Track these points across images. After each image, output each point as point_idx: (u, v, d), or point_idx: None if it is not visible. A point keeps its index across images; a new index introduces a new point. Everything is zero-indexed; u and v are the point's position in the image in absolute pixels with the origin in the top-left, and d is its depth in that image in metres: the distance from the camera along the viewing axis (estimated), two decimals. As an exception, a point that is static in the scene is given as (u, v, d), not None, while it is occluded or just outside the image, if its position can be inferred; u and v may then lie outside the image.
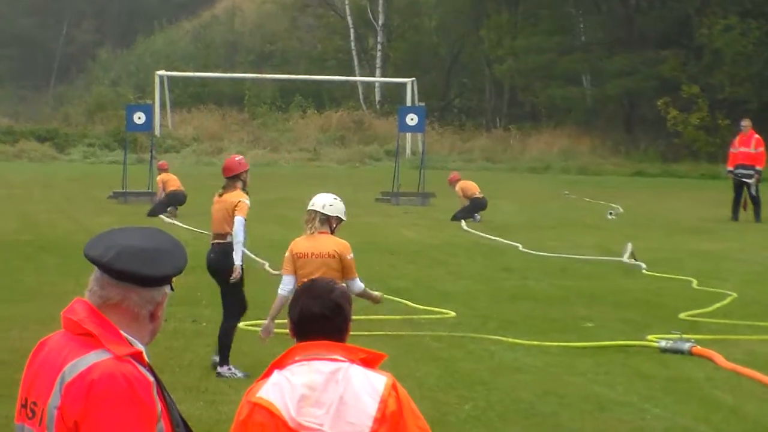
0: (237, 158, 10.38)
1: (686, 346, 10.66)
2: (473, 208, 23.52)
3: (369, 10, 54.47)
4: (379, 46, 54.01)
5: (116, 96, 48.78)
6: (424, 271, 16.24)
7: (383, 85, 51.90)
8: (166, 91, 44.84)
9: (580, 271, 16.37)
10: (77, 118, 47.98)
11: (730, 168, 24.18)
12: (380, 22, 54.01)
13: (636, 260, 16.59)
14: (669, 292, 14.47)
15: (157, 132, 38.90)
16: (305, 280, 8.21)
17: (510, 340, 11.28)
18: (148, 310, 3.03)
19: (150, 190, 26.39)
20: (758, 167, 23.73)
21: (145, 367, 2.98)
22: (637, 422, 8.46)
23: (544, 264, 17.06)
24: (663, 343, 10.80)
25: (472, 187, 23.83)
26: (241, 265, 9.87)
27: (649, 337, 11.26)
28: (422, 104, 33.57)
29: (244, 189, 10.02)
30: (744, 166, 23.77)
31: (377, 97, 52.21)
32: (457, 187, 23.95)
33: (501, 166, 41.82)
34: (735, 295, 13.96)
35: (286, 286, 8.32)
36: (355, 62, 54.65)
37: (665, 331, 11.46)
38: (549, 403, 8.91)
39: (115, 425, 2.86)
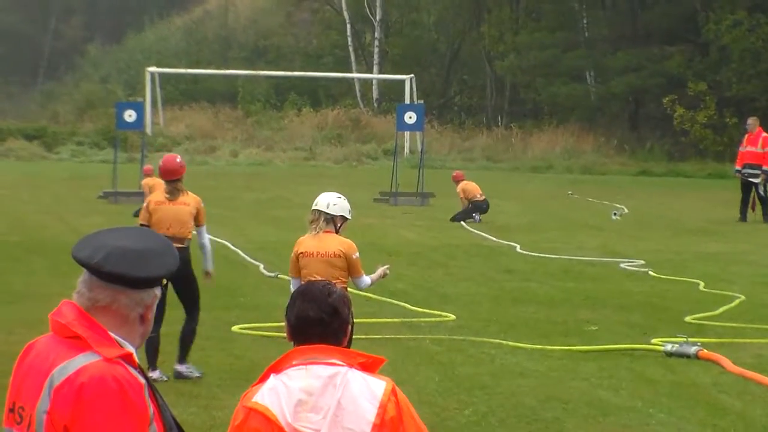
0: (178, 159, 10.04)
1: (692, 349, 10.49)
2: (473, 209, 23.34)
3: (366, 5, 54.27)
4: (376, 42, 53.82)
5: (106, 93, 48.65)
6: (423, 272, 16.08)
7: (381, 82, 51.72)
8: (158, 88, 44.63)
9: (584, 273, 16.23)
10: (66, 116, 47.81)
11: (738, 167, 23.99)
12: (378, 17, 53.84)
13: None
14: (674, 295, 14.34)
15: (148, 130, 38.72)
16: (309, 278, 8.16)
17: (511, 343, 11.12)
18: (138, 312, 3.01)
19: (141, 191, 26.21)
20: (765, 167, 23.50)
21: (135, 368, 2.95)
22: (642, 428, 8.35)
23: (546, 266, 16.92)
24: (668, 347, 10.64)
25: (473, 189, 23.66)
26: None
27: (654, 340, 11.08)
28: (421, 102, 33.35)
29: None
30: (751, 166, 23.57)
31: (375, 95, 52.02)
32: (459, 188, 23.78)
33: (502, 165, 41.66)
34: (743, 297, 13.76)
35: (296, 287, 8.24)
36: (352, 58, 54.45)
37: (670, 334, 11.32)
38: (551, 408, 8.80)
39: (106, 428, 2.83)
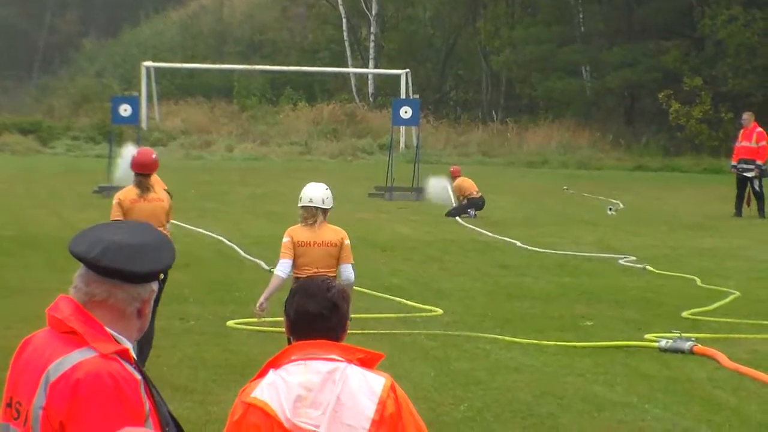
0: (153, 155, 9.92)
1: (687, 345, 10.47)
2: (468, 206, 23.32)
3: (362, 0, 54.18)
4: (372, 37, 53.72)
5: (101, 87, 48.48)
6: (418, 267, 16.06)
7: (376, 76, 51.63)
8: (153, 83, 44.52)
9: (579, 268, 16.21)
10: (61, 110, 47.64)
11: (734, 163, 23.99)
12: (373, 12, 53.73)
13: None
14: (670, 290, 14.31)
15: (143, 125, 38.62)
16: (305, 268, 8.16)
17: (507, 338, 11.09)
18: (134, 307, 3.00)
19: None
20: (759, 162, 23.50)
21: (131, 364, 2.95)
22: (638, 423, 8.34)
23: (542, 261, 16.91)
24: (663, 343, 10.62)
25: (470, 186, 23.63)
26: None
27: (647, 336, 11.07)
28: (417, 96, 33.28)
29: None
30: (746, 161, 23.57)
31: (370, 89, 51.93)
32: (455, 185, 23.77)
33: (498, 160, 41.61)
34: (738, 293, 13.74)
35: (285, 268, 8.35)
36: (348, 53, 54.34)
37: (666, 329, 11.32)
38: (547, 403, 8.80)
39: (102, 425, 2.82)
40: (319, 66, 51.13)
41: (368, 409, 3.36)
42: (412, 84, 43.91)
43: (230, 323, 11.44)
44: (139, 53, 54.37)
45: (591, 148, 43.14)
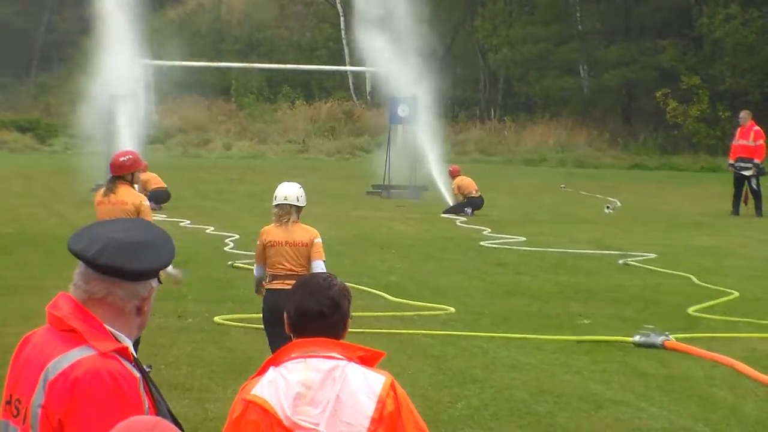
0: (123, 157, 9.70)
1: (659, 339, 10.53)
2: (466, 204, 23.32)
3: (360, -3, 54.06)
4: (370, 35, 53.65)
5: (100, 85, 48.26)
6: (416, 265, 16.06)
7: (374, 75, 51.55)
8: (151, 81, 44.37)
9: (576, 267, 16.21)
10: (59, 108, 47.56)
11: (731, 161, 24.00)
12: (371, 10, 53.64)
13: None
14: (667, 289, 14.30)
15: (141, 123, 38.52)
16: (278, 266, 8.26)
17: (504, 335, 11.08)
18: (134, 305, 2.99)
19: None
20: (756, 160, 23.51)
21: (131, 362, 2.94)
22: (634, 421, 8.34)
23: (539, 259, 16.90)
24: (637, 338, 10.70)
25: (469, 185, 23.63)
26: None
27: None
28: (414, 95, 33.25)
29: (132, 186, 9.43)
30: (743, 159, 23.58)
31: (368, 88, 51.90)
32: (454, 184, 23.76)
33: (495, 158, 41.62)
34: (736, 294, 13.71)
35: (259, 272, 8.59)
36: (346, 51, 54.29)
37: (664, 328, 11.27)
38: (544, 401, 8.80)
39: (101, 423, 2.81)
40: (316, 64, 51.09)
41: (368, 408, 3.36)
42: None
43: (217, 319, 11.42)
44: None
45: (588, 147, 43.15)
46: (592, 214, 23.98)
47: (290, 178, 9.65)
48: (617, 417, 8.43)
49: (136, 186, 9.52)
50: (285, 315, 3.55)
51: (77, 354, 2.88)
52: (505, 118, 46.61)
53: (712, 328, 11.79)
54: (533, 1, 51.63)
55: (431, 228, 20.94)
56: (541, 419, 8.34)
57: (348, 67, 51.99)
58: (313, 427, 3.33)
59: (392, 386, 3.41)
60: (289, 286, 8.48)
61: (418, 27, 34.33)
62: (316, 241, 8.36)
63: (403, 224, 21.49)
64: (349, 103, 48.18)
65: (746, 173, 23.46)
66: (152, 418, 2.75)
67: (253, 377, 3.46)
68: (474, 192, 23.53)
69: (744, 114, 24.45)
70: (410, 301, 12.89)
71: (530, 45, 47.57)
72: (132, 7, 30.95)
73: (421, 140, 28.83)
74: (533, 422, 8.27)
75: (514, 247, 18.15)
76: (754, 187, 23.58)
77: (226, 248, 16.78)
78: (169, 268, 8.25)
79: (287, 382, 3.38)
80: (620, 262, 16.47)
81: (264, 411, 3.35)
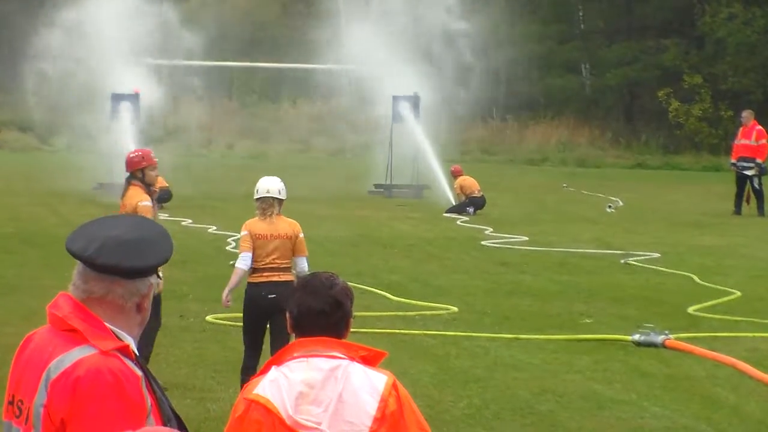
0: (133, 153, 9.70)
1: (659, 338, 10.52)
2: (468, 204, 23.31)
3: (361, -4, 54.07)
4: (372, 35, 53.67)
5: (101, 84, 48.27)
6: (418, 265, 16.04)
7: (376, 73, 51.49)
8: (153, 80, 44.35)
9: (579, 266, 16.20)
10: (60, 108, 47.49)
11: (734, 160, 23.98)
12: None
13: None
14: (669, 288, 14.29)
15: (143, 122, 38.52)
16: (262, 259, 8.35)
17: (506, 336, 11.08)
18: (134, 302, 2.97)
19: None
20: (759, 160, 23.49)
21: (132, 360, 2.92)
22: (637, 421, 8.35)
23: (541, 258, 16.89)
24: (636, 336, 10.68)
25: (471, 184, 23.62)
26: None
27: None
28: (416, 93, 33.26)
29: (147, 187, 9.33)
30: (745, 159, 23.55)
31: (370, 87, 51.82)
32: (456, 183, 23.76)
33: (497, 158, 41.61)
34: (739, 293, 13.69)
35: (246, 261, 8.55)
36: (348, 50, 54.23)
37: (665, 327, 11.25)
38: (546, 401, 8.80)
39: (103, 422, 2.81)
40: (318, 63, 51.06)
41: (370, 407, 3.35)
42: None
43: (209, 318, 11.40)
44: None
45: (590, 146, 43.14)
46: (594, 213, 23.97)
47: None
48: (619, 416, 8.43)
49: (151, 184, 9.40)
50: (287, 314, 3.55)
51: (79, 353, 2.88)
52: (508, 117, 46.59)
53: (714, 327, 11.78)
54: (536, 0, 51.61)
55: (433, 227, 20.93)
56: (543, 419, 8.34)
57: (350, 66, 51.98)
58: (315, 426, 3.33)
59: (394, 385, 3.41)
60: (269, 278, 8.59)
61: (421, 26, 34.36)
62: (300, 236, 8.48)
63: (404, 224, 21.48)
64: (351, 102, 48.19)
65: (748, 173, 23.44)
66: (164, 430, 2.76)
67: (256, 376, 3.46)
68: (476, 192, 23.52)
69: (746, 113, 24.43)
70: (413, 301, 12.88)
71: (533, 44, 47.55)
72: (134, 5, 30.92)
73: (422, 139, 28.83)
74: (535, 422, 8.27)
75: (516, 247, 18.14)
76: (756, 186, 23.55)
77: (228, 247, 16.77)
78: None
79: (289, 381, 3.38)
80: (621, 261, 16.46)
81: (266, 410, 3.35)
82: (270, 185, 8.57)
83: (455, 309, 12.39)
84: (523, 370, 9.78)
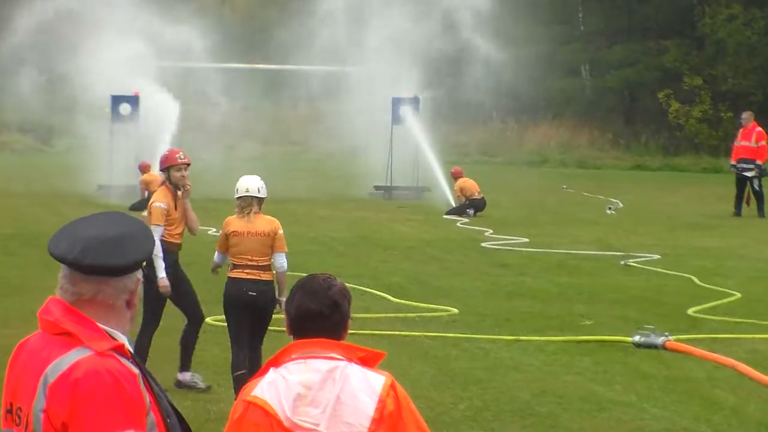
0: (166, 152, 9.78)
1: (660, 340, 10.52)
2: (469, 206, 23.31)
3: (362, 0, 54.10)
4: (372, 37, 53.72)
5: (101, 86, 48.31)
6: (418, 267, 16.05)
7: (376, 75, 51.53)
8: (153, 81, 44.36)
9: (579, 268, 16.21)
10: (61, 109, 47.49)
11: (733, 162, 23.99)
12: (374, 12, 53.72)
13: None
14: (670, 289, 14.29)
15: (143, 124, 38.53)
16: (240, 256, 8.44)
17: (506, 337, 11.09)
18: (123, 300, 2.97)
19: (138, 185, 26.11)
20: (758, 161, 23.50)
21: (128, 359, 2.93)
22: (637, 422, 8.37)
23: (541, 260, 16.89)
24: (636, 338, 10.69)
25: (471, 186, 23.63)
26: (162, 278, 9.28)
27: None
28: (416, 95, 33.29)
29: (174, 188, 9.29)
30: (745, 160, 23.57)
31: (370, 88, 51.83)
32: (457, 185, 23.77)
33: (497, 159, 41.62)
34: (738, 295, 13.69)
35: (219, 260, 8.95)
36: (348, 52, 54.26)
37: (665, 329, 11.26)
38: (546, 402, 8.81)
39: (104, 422, 2.81)
40: (319, 65, 51.11)
41: (368, 408, 3.35)
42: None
43: (209, 320, 11.38)
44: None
45: (590, 148, 43.15)
46: (594, 215, 23.98)
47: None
48: (619, 418, 8.45)
49: (176, 185, 9.33)
50: (285, 316, 3.55)
51: (75, 355, 2.87)
52: (508, 119, 46.60)
53: (714, 329, 11.79)
54: (536, 2, 51.60)
55: (433, 229, 20.94)
56: (543, 420, 8.35)
57: (350, 68, 52.00)
58: (313, 427, 3.33)
59: (392, 386, 3.41)
60: (249, 276, 8.68)
61: (421, 28, 34.40)
62: (279, 232, 8.58)
63: (405, 225, 21.49)
64: (351, 104, 48.19)
65: (748, 174, 23.45)
66: None
67: (254, 378, 3.47)
68: (476, 194, 23.53)
69: (746, 115, 24.44)
70: (413, 303, 12.89)
71: (533, 45, 47.54)
72: (136, 7, 30.94)
73: (422, 141, 28.85)
74: (535, 423, 8.28)
75: (516, 248, 18.15)
76: (756, 188, 23.56)
77: None
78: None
79: (287, 382, 3.38)
80: (621, 263, 16.46)
81: (264, 412, 3.35)
82: (249, 184, 8.72)
83: (455, 310, 12.40)
84: (523, 372, 9.80)
